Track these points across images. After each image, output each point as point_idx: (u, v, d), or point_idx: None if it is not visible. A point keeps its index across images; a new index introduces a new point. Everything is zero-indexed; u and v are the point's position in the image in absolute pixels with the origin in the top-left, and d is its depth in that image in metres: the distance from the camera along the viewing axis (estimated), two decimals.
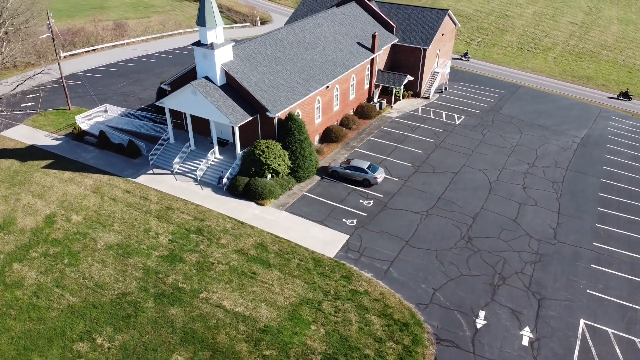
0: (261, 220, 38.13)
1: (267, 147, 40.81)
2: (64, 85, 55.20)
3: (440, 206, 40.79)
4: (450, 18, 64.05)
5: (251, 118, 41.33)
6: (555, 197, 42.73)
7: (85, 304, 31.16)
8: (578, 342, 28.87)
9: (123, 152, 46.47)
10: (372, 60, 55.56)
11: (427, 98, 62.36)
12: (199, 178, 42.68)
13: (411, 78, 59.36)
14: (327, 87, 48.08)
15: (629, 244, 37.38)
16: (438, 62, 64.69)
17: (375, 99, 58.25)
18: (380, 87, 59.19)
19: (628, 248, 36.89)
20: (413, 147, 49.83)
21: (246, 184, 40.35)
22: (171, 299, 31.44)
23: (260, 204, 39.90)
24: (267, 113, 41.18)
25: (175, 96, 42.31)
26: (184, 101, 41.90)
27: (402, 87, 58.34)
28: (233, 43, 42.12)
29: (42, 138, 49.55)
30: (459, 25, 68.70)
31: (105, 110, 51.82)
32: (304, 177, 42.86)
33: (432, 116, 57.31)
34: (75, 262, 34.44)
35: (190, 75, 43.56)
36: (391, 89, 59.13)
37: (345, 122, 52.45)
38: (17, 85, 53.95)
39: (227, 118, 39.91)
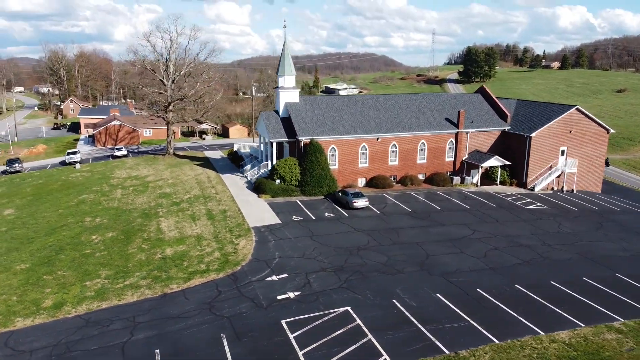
0: (245, 202, 48.99)
1: (286, 161, 51.92)
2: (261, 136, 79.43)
3: (384, 233, 41.68)
4: (590, 118, 58.43)
5: (287, 139, 53.63)
6: (458, 252, 36.53)
7: (117, 210, 49.76)
8: (334, 314, 28.34)
9: (236, 163, 65.38)
10: (457, 135, 58.05)
11: (532, 190, 57.45)
12: (248, 178, 56.92)
13: (505, 162, 57.21)
14: (378, 139, 55.07)
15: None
16: (566, 161, 58.79)
17: (469, 177, 58.70)
18: (483, 168, 58.98)
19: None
20: (437, 205, 49.69)
21: (259, 182, 52.10)
22: (147, 214, 46.52)
23: (259, 196, 50.68)
24: (297, 137, 52.72)
25: (259, 122, 59.13)
26: (261, 126, 58.07)
27: (488, 167, 57.32)
28: (299, 89, 56.45)
29: (215, 155, 73.81)
30: (612, 131, 60.25)
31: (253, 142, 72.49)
32: (308, 192, 50.98)
33: (508, 199, 53.57)
34: (139, 195, 54.07)
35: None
36: (490, 171, 58.59)
37: (402, 179, 56.53)
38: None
39: (269, 135, 53.70)
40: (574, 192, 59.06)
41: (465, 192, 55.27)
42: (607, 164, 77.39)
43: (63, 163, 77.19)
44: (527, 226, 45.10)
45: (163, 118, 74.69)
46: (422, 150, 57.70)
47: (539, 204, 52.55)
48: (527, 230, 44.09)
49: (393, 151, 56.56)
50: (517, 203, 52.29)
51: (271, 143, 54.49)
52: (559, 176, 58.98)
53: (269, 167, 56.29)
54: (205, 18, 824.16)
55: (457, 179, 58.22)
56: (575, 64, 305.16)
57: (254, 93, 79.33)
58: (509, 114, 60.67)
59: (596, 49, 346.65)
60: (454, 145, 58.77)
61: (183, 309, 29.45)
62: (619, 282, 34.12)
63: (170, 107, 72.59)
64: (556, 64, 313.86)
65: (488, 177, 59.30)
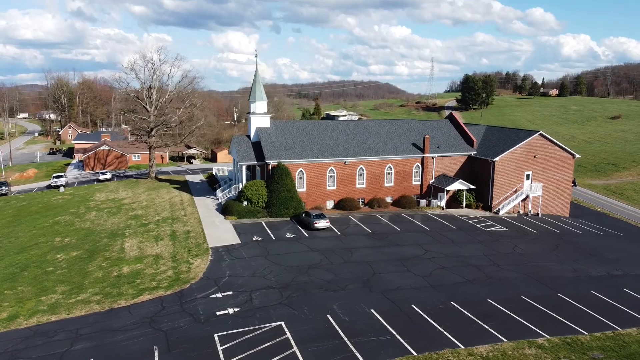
0: (210, 223, 50.49)
1: (253, 184, 53.65)
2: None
3: (338, 253, 42.91)
4: (554, 143, 60.01)
5: (257, 162, 55.49)
6: (405, 270, 37.65)
7: (87, 231, 51.44)
8: (267, 328, 29.57)
9: (212, 186, 67.16)
10: (423, 159, 59.67)
11: (497, 213, 58.64)
12: (219, 200, 58.59)
13: (470, 186, 58.65)
14: (345, 163, 56.78)
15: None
16: (531, 185, 60.10)
17: (436, 200, 60.11)
18: (450, 191, 60.52)
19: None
20: (398, 226, 50.91)
21: (227, 204, 53.74)
22: (114, 235, 48.13)
23: (226, 217, 52.23)
24: (265, 160, 54.56)
25: (231, 147, 61.13)
26: (234, 150, 60.07)
27: (455, 190, 58.80)
28: (270, 115, 58.58)
29: (195, 179, 75.71)
30: (578, 156, 61.65)
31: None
32: (274, 214, 52.47)
33: (470, 222, 54.75)
34: (112, 216, 55.79)
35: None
36: (457, 194, 60.04)
37: (370, 202, 57.99)
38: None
39: (239, 158, 55.61)
40: (539, 215, 60.18)
41: (430, 215, 56.56)
42: (574, 184, 79.38)
43: (49, 187, 79.44)
44: (481, 247, 46.20)
45: (146, 142, 77.05)
46: (389, 174, 59.29)
47: (500, 226, 53.69)
48: (481, 251, 45.18)
49: (361, 174, 58.19)
50: (478, 225, 53.46)
51: (241, 166, 56.33)
52: (524, 200, 60.26)
53: (239, 190, 58.03)
54: (213, 47, 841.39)
55: (423, 202, 59.61)
56: (573, 91, 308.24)
57: (235, 119, 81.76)
58: (475, 140, 62.37)
59: (597, 77, 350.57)
60: (421, 170, 60.35)
61: (125, 323, 30.75)
62: (558, 301, 35.06)
63: (153, 132, 74.99)
64: (554, 92, 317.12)
65: (455, 200, 60.68)
